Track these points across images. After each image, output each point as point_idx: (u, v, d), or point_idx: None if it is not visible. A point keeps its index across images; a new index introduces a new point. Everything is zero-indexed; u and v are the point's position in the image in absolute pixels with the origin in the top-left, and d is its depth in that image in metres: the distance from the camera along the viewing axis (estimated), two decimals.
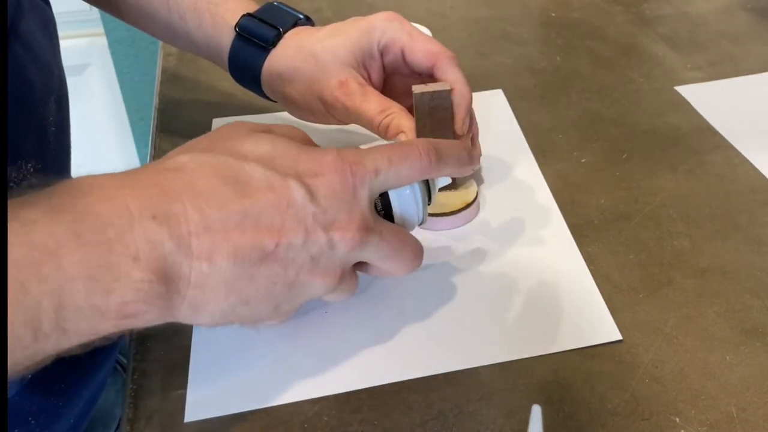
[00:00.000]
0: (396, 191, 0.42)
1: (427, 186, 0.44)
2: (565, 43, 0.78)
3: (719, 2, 0.85)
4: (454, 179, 0.54)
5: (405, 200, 0.43)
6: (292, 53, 0.53)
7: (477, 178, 0.56)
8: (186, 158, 0.36)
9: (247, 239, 0.35)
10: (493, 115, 0.65)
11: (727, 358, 0.44)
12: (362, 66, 0.52)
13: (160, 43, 0.76)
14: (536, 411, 0.38)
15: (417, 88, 0.50)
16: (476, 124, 0.54)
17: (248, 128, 0.40)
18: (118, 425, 0.63)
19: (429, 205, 0.45)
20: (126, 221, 0.33)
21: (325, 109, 0.53)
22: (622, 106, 0.67)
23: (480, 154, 0.56)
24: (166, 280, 0.33)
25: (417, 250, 0.42)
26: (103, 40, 1.47)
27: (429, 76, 0.52)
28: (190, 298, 0.35)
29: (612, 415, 0.41)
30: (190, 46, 0.59)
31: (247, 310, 0.37)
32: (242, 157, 0.37)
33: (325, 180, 0.37)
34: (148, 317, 0.34)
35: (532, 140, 0.62)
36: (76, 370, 0.54)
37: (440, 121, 0.51)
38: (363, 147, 0.42)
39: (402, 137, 0.50)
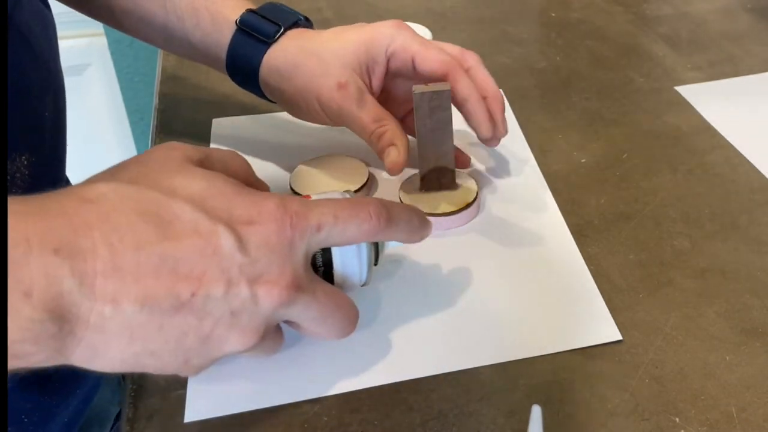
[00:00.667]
0: (340, 248, 0.40)
1: (376, 247, 0.42)
2: (565, 43, 0.78)
3: (719, 2, 0.85)
4: (455, 179, 0.54)
5: (348, 259, 0.40)
6: (294, 51, 0.53)
7: (477, 178, 0.56)
8: (106, 188, 0.33)
9: (160, 285, 0.32)
10: None
11: (727, 358, 0.44)
12: (365, 71, 0.52)
13: (159, 52, 0.76)
14: (536, 411, 0.38)
15: (417, 88, 0.50)
16: (506, 126, 0.54)
17: (184, 156, 0.37)
18: (114, 424, 0.63)
19: (375, 265, 0.43)
20: (22, 253, 0.29)
21: (321, 108, 0.53)
22: (622, 106, 0.67)
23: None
24: (61, 320, 0.30)
25: (351, 316, 0.39)
26: (103, 40, 1.47)
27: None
28: (87, 341, 0.32)
29: (612, 415, 0.41)
30: (187, 48, 0.59)
31: (152, 360, 0.34)
32: (171, 194, 0.34)
33: (261, 229, 0.34)
34: (37, 359, 0.31)
35: (532, 140, 0.62)
36: (69, 371, 0.54)
37: (440, 121, 0.51)
38: (314, 197, 0.39)
39: (392, 151, 0.50)
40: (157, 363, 0.34)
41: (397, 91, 0.55)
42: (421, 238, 0.42)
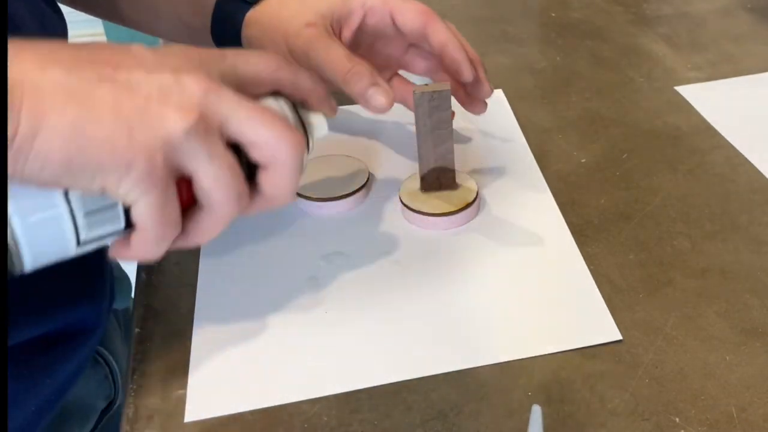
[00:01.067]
0: None
1: (304, 130, 0.41)
2: (565, 43, 0.78)
3: (719, 2, 0.85)
4: (455, 179, 0.54)
5: None
6: (274, 5, 0.55)
7: (477, 178, 0.56)
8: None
9: (82, 63, 0.34)
10: (493, 115, 0.65)
11: (727, 358, 0.44)
12: (336, 20, 0.53)
13: (160, 41, 0.76)
14: (536, 411, 0.38)
15: (417, 88, 0.50)
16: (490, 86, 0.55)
17: None
18: (100, 419, 0.61)
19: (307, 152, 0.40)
20: None
21: (288, 50, 0.53)
22: (622, 106, 0.67)
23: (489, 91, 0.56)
24: None
25: (285, 123, 0.37)
26: (103, 40, 1.47)
27: (419, 37, 0.52)
28: (26, 108, 0.31)
29: (612, 415, 0.41)
30: (175, 23, 0.60)
31: (98, 129, 0.33)
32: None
33: (170, 54, 0.36)
34: None
35: (532, 140, 0.62)
36: (41, 359, 0.52)
37: (440, 121, 0.51)
38: None
39: (378, 91, 0.48)
40: (104, 132, 0.33)
41: (378, 55, 0.56)
42: (331, 107, 0.43)
